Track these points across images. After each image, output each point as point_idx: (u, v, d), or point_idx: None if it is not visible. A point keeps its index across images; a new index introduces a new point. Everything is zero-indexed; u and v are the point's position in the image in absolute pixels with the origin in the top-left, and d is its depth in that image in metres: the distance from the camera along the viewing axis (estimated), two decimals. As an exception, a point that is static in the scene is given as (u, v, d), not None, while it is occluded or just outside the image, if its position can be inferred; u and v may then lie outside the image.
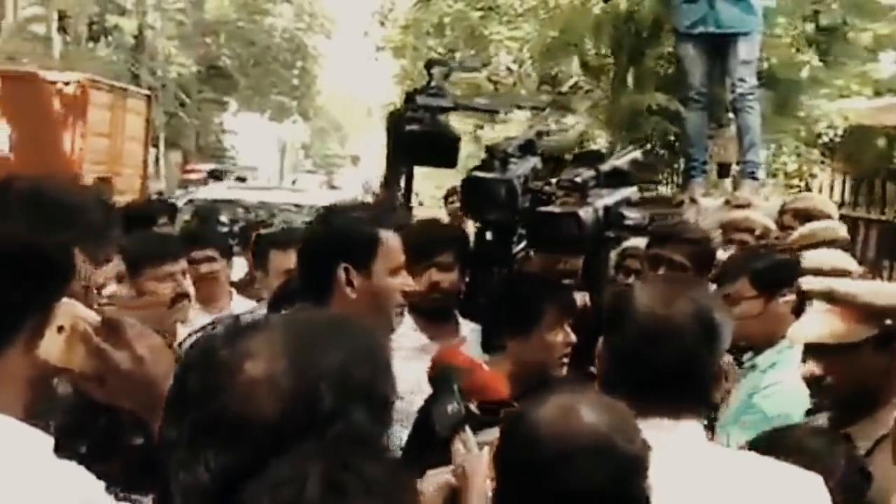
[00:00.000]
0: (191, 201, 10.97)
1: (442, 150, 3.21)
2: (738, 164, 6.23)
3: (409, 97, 3.27)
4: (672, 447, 1.64)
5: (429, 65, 3.76)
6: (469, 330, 3.12)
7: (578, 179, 2.99)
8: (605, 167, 3.14)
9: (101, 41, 22.25)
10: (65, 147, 14.22)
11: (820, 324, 2.29)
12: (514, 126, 15.96)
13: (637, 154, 3.30)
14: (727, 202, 5.82)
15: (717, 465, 1.69)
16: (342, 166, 42.01)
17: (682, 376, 1.68)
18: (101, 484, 1.30)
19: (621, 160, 3.23)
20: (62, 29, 21.46)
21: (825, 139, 10.35)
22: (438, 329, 3.11)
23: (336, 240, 2.29)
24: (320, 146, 55.43)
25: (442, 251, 3.08)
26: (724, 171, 6.41)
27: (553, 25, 8.87)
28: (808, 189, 11.73)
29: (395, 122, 3.27)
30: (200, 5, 25.73)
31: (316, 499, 1.05)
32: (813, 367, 2.31)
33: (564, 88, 12.23)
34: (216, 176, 20.69)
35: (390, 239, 2.31)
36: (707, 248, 3.44)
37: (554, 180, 3.12)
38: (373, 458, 1.11)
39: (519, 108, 14.21)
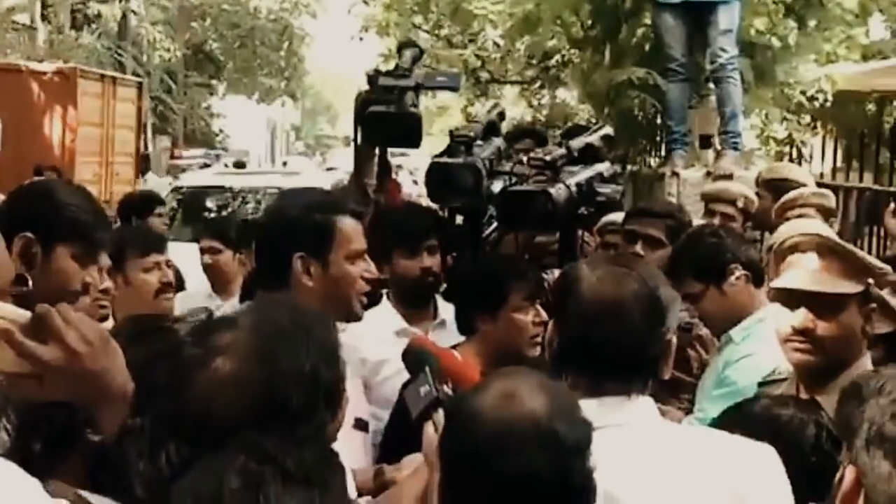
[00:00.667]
0: (177, 188, 10.95)
1: (405, 131, 3.20)
2: (719, 134, 6.21)
3: (371, 79, 3.26)
4: (624, 426, 1.65)
5: (400, 47, 3.75)
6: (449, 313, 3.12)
7: (548, 157, 2.98)
8: (577, 143, 3.14)
9: (85, 29, 22.11)
10: (55, 138, 14.19)
11: (812, 276, 2.31)
12: (506, 102, 15.98)
13: (608, 129, 3.30)
14: (709, 174, 5.83)
15: (670, 442, 1.70)
16: (334, 147, 41.97)
17: (629, 354, 1.69)
18: (35, 482, 1.28)
19: (593, 136, 3.23)
20: (45, 18, 21.34)
21: (815, 104, 10.33)
22: (417, 314, 3.13)
23: (291, 229, 2.26)
24: (311, 127, 55.30)
25: (430, 235, 3.09)
26: (705, 142, 6.39)
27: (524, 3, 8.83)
28: (801, 155, 11.71)
29: (361, 105, 3.26)
30: (185, -12, 25.61)
31: (234, 491, 1.07)
32: (807, 317, 2.31)
33: (552, 63, 12.19)
34: (207, 165, 20.63)
35: (347, 225, 2.27)
36: (681, 220, 3.45)
37: (525, 159, 3.11)
38: (296, 448, 1.12)
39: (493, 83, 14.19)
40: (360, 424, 2.50)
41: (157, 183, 11.88)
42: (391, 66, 3.57)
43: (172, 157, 24.37)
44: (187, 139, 27.80)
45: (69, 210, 2.23)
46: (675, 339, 1.75)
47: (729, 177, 5.43)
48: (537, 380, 1.49)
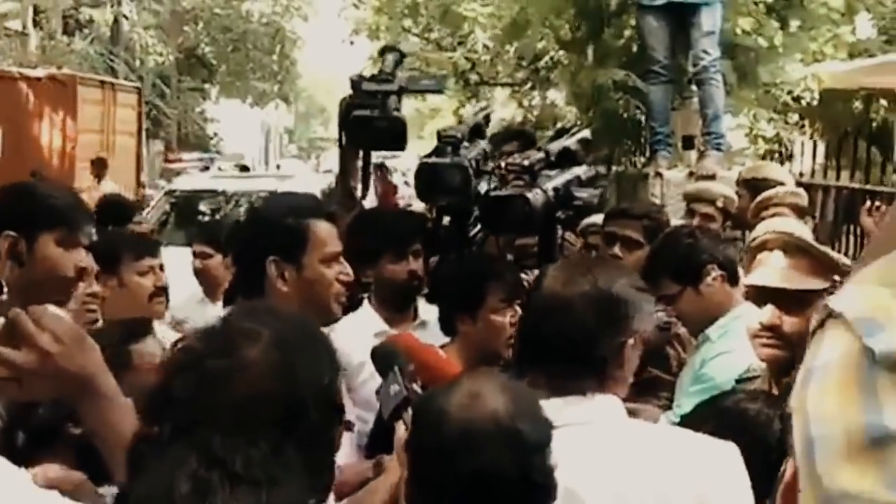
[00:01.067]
0: (171, 192, 10.98)
1: (389, 134, 3.26)
2: (702, 135, 6.29)
3: (355, 84, 3.32)
4: (587, 424, 1.70)
5: (383, 51, 3.82)
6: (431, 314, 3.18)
7: (526, 163, 3.05)
8: (554, 148, 3.21)
9: (77, 35, 22.15)
10: (56, 146, 14.19)
11: (780, 273, 2.37)
12: (497, 103, 16.04)
13: (586, 133, 3.36)
14: (691, 174, 5.90)
15: (633, 440, 1.74)
16: (327, 149, 42.02)
17: (573, 351, 1.73)
18: (25, 473, 1.33)
19: (570, 140, 3.29)
20: (37, 24, 21.35)
21: (803, 103, 10.41)
22: (398, 316, 3.17)
23: (264, 233, 2.30)
24: (305, 130, 55.33)
25: (416, 239, 3.15)
26: (688, 142, 6.47)
27: (516, 1, 8.90)
28: (790, 154, 11.79)
29: (345, 110, 3.33)
30: (176, -7, 25.69)
31: (184, 497, 1.08)
32: (774, 314, 2.37)
33: (541, 64, 12.24)
34: (207, 168, 20.62)
35: (321, 228, 2.30)
36: (659, 221, 3.51)
37: (503, 164, 3.18)
38: (245, 447, 1.14)
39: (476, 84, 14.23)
40: (346, 425, 2.55)
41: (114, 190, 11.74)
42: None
43: (167, 160, 24.41)
44: (181, 143, 27.84)
45: (47, 200, 2.27)
46: (632, 344, 1.77)
47: (711, 177, 5.49)
48: (501, 381, 1.55)
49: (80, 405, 1.51)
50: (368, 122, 3.32)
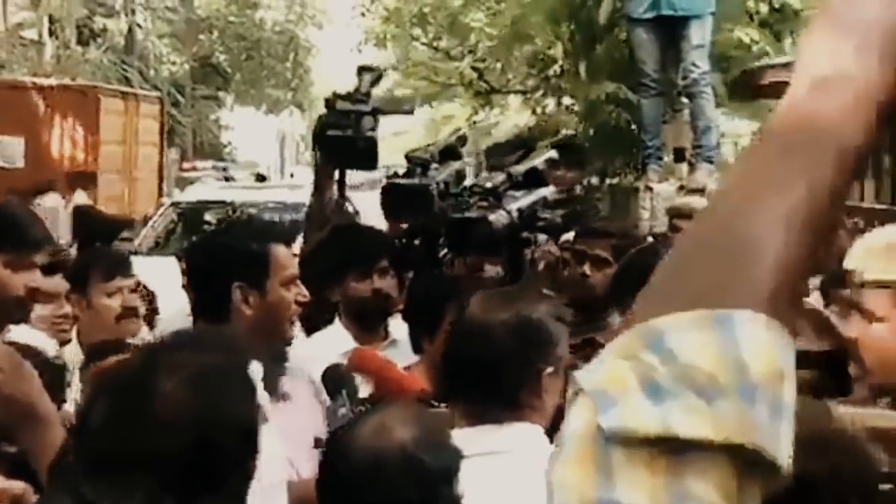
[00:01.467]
0: (176, 203, 10.96)
1: (360, 154, 3.30)
2: (693, 148, 6.27)
3: (329, 104, 3.37)
4: (506, 453, 1.72)
5: (360, 71, 3.85)
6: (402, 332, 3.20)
7: (489, 185, 3.07)
8: (520, 169, 3.23)
9: (91, 44, 22.31)
10: (78, 156, 14.25)
11: None
12: (510, 110, 16.09)
13: (553, 153, 3.38)
14: (682, 187, 5.88)
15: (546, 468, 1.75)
16: (344, 156, 41.93)
17: (485, 377, 1.75)
18: None
19: (538, 160, 3.32)
20: (52, 33, 21.51)
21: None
22: (368, 335, 3.18)
23: (227, 259, 2.35)
24: (321, 137, 55.26)
25: (381, 257, 3.16)
26: (679, 155, 6.46)
27: (512, 11, 8.94)
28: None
29: (320, 128, 3.37)
30: (190, 2, 25.81)
31: None
32: None
33: (551, 72, 12.26)
34: (227, 178, 20.58)
35: (281, 252, 2.36)
36: (629, 241, 3.52)
37: (468, 184, 3.21)
38: (119, 500, 1.15)
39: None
40: (320, 444, 2.60)
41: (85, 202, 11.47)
42: (387, 79, 3.66)
43: (181, 169, 24.55)
44: (196, 151, 27.99)
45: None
46: (550, 372, 1.76)
47: (701, 191, 5.48)
48: (411, 412, 1.59)
49: (19, 428, 1.58)
50: (341, 141, 3.36)
